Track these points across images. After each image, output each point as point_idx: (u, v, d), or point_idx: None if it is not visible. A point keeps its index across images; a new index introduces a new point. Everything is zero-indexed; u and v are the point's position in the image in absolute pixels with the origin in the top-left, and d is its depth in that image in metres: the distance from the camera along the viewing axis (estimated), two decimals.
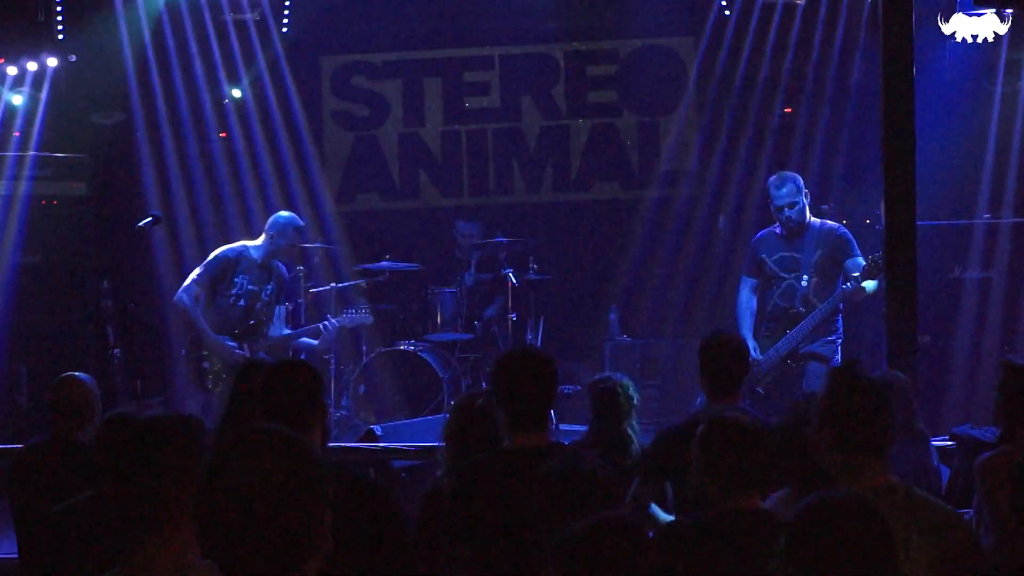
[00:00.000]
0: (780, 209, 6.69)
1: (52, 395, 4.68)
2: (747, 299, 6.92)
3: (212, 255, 7.24)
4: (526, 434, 3.62)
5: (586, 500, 3.24)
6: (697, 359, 4.44)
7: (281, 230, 7.22)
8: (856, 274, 6.46)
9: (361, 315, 7.76)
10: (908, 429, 4.37)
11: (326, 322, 7.46)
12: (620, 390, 4.88)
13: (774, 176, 6.87)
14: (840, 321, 6.74)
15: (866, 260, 6.43)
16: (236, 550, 1.91)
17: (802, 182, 6.77)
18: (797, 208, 6.68)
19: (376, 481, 3.50)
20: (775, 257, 6.78)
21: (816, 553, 2.26)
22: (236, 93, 9.35)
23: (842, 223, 8.48)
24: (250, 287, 7.21)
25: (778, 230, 6.82)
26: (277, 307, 7.45)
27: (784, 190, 6.69)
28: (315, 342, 7.46)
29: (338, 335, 7.69)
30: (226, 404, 4.18)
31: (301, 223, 7.33)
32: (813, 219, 6.81)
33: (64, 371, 4.95)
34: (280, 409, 3.29)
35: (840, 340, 6.74)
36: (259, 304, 7.27)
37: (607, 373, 5.35)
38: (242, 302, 7.20)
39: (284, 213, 7.39)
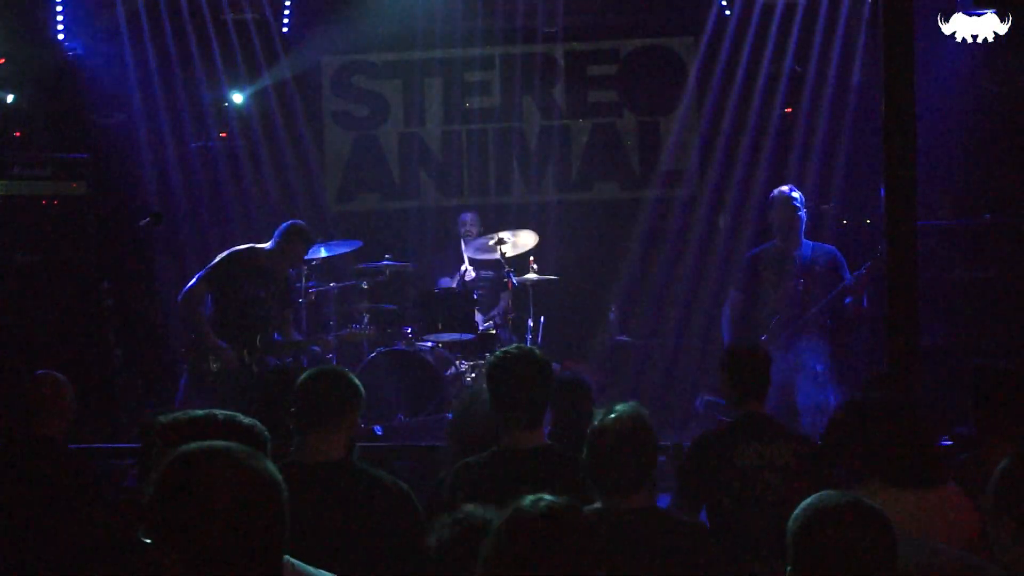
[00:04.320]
0: (788, 210, 7.01)
1: (23, 393, 4.69)
2: (733, 313, 7.08)
3: (219, 257, 7.23)
4: (521, 433, 3.64)
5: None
6: (720, 368, 4.45)
7: (290, 238, 7.22)
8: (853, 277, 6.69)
9: (363, 328, 7.82)
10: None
11: (329, 336, 7.50)
12: (580, 386, 4.85)
13: (782, 186, 7.14)
14: (827, 339, 6.87)
15: (855, 275, 6.77)
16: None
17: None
18: (801, 214, 6.98)
19: (397, 484, 3.53)
20: (774, 269, 7.01)
21: (818, 554, 2.27)
22: (237, 99, 9.35)
23: (842, 223, 8.58)
24: (256, 291, 7.20)
25: (777, 244, 7.04)
26: (284, 311, 7.45)
27: (792, 193, 7.10)
28: (317, 348, 7.49)
29: (339, 345, 7.74)
30: (259, 409, 4.32)
31: (310, 235, 7.34)
32: (807, 241, 7.12)
33: (64, 371, 4.97)
34: (310, 415, 3.42)
35: (828, 354, 6.87)
36: (265, 308, 7.26)
37: (567, 372, 5.35)
38: (248, 306, 7.19)
39: (297, 222, 7.39)
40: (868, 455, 3.35)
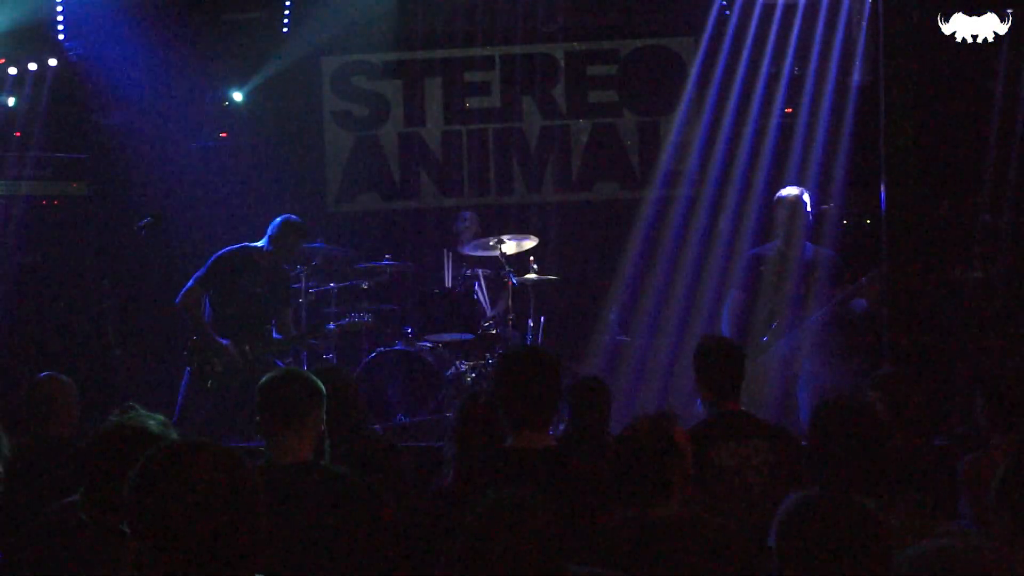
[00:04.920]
0: (795, 214, 6.96)
1: (31, 396, 4.70)
2: (733, 313, 7.07)
3: (214, 256, 7.23)
4: (527, 433, 3.62)
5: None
6: (693, 366, 4.42)
7: (281, 233, 7.22)
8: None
9: (360, 316, 7.78)
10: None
11: (328, 325, 7.48)
12: (598, 390, 4.83)
13: (789, 187, 7.11)
14: (827, 342, 6.88)
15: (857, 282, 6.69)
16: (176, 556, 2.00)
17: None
18: (808, 218, 6.96)
19: (367, 484, 3.51)
20: (774, 269, 6.95)
21: (807, 552, 2.26)
22: (237, 96, 9.35)
23: (842, 223, 8.58)
24: (253, 289, 7.20)
25: (779, 245, 7.01)
26: (283, 309, 7.44)
27: (802, 197, 7.04)
28: (316, 342, 7.49)
29: (337, 337, 7.71)
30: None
31: (303, 229, 7.33)
32: (808, 243, 7.08)
33: (64, 371, 4.97)
34: (272, 418, 3.45)
35: (828, 359, 6.88)
36: (263, 305, 7.27)
37: (587, 374, 5.34)
38: (246, 304, 7.19)
39: (290, 217, 7.39)
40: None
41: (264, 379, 3.59)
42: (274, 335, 7.36)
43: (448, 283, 8.66)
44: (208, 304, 7.22)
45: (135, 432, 3.01)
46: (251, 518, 2.07)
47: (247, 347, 7.19)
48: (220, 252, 7.25)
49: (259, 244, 7.29)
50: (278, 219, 7.33)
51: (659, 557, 3.14)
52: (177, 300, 7.17)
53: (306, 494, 3.35)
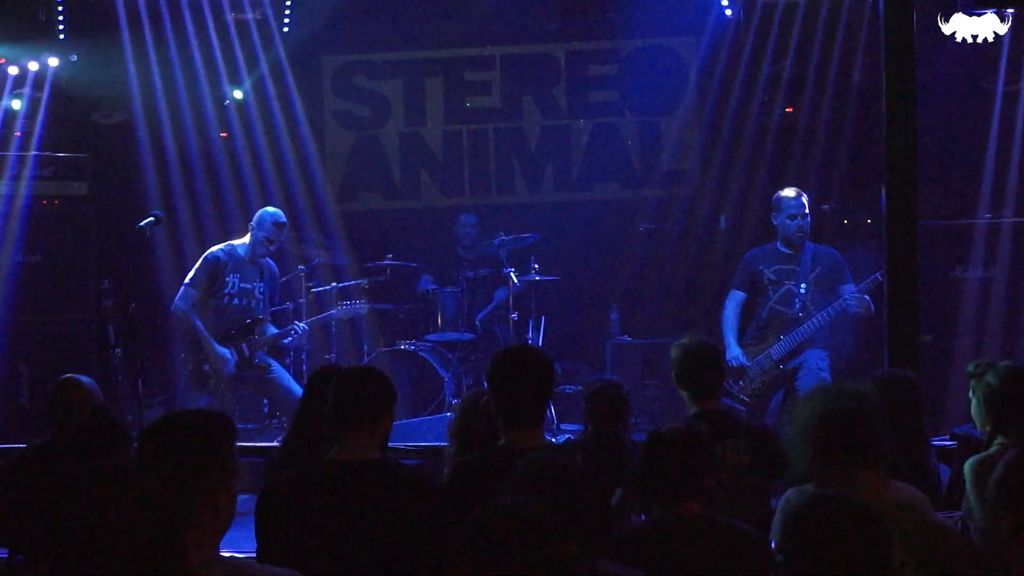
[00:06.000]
0: (794, 216, 6.90)
1: (53, 397, 4.68)
2: (733, 312, 7.04)
3: (202, 257, 7.25)
4: (521, 432, 3.63)
5: (569, 500, 3.26)
6: (673, 366, 4.42)
7: (260, 222, 7.24)
8: (857, 291, 6.63)
9: (356, 306, 7.78)
10: (914, 430, 4.36)
11: (299, 324, 7.47)
12: (616, 392, 4.82)
13: (788, 189, 7.07)
14: (827, 338, 6.88)
15: (859, 282, 6.70)
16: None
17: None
18: (807, 220, 6.90)
19: (432, 484, 3.52)
20: (773, 268, 6.94)
21: (811, 552, 2.27)
22: (237, 94, 9.35)
23: (842, 223, 8.57)
24: (243, 285, 7.22)
25: (778, 245, 6.98)
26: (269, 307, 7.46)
27: (800, 199, 6.98)
28: (288, 341, 7.48)
29: (309, 335, 7.68)
30: (298, 407, 4.55)
31: (282, 218, 7.32)
32: (808, 242, 7.05)
33: (65, 371, 4.96)
34: (351, 416, 3.45)
35: (828, 354, 6.86)
36: (253, 302, 7.27)
37: (605, 375, 5.34)
38: (237, 300, 7.20)
39: (269, 208, 7.41)
40: None
41: (342, 377, 3.56)
42: (269, 332, 7.35)
43: (449, 283, 8.66)
44: (201, 304, 7.22)
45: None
46: (164, 538, 2.04)
47: (245, 345, 7.19)
48: (208, 252, 7.27)
49: (243, 240, 7.31)
50: (258, 212, 7.37)
51: (686, 556, 3.14)
52: (173, 307, 7.17)
53: (376, 491, 3.36)
